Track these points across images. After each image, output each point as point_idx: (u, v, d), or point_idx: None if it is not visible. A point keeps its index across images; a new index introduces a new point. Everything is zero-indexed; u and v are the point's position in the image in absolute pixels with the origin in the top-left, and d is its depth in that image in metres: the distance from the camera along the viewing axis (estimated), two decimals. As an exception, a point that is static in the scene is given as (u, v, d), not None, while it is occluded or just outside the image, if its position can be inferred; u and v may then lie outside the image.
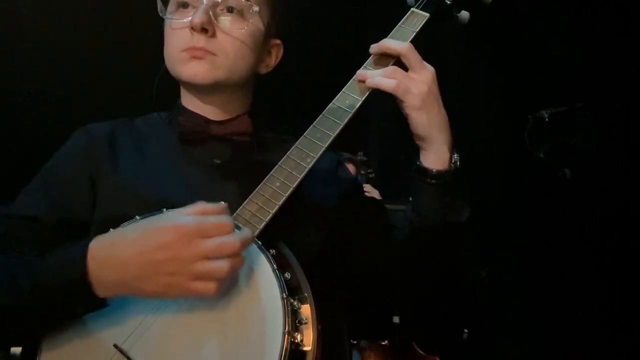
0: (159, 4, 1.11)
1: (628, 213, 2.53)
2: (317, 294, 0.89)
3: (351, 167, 2.66)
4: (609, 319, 2.52)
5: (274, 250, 0.91)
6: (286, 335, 0.80)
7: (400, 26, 1.07)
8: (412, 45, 1.01)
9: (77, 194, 1.03)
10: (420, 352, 2.35)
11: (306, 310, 0.86)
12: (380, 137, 3.36)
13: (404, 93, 0.96)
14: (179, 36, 1.07)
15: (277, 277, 0.85)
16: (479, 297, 2.47)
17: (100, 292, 0.81)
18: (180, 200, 0.88)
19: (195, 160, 1.09)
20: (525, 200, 2.77)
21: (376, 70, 1.00)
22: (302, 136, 1.00)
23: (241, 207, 0.94)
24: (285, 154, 0.99)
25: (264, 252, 0.88)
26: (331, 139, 0.98)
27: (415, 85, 0.96)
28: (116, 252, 0.80)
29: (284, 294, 0.84)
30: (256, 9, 1.08)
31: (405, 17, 1.08)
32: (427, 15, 1.07)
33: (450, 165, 1.00)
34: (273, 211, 0.93)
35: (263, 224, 0.92)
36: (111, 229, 0.90)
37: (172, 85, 1.15)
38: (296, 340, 0.82)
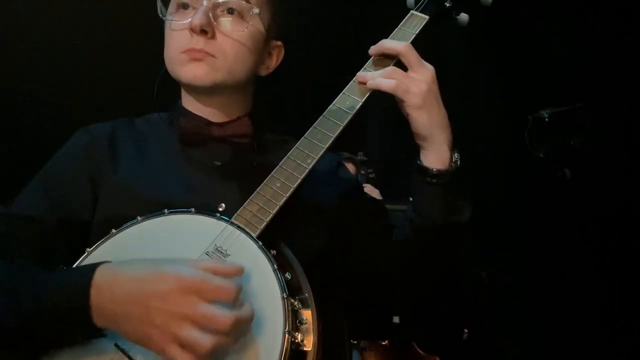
0: (159, 5, 1.11)
1: (628, 213, 2.53)
2: (318, 294, 0.89)
3: (351, 167, 2.66)
4: (609, 319, 2.52)
5: (274, 251, 0.91)
6: (286, 335, 0.81)
7: (400, 28, 1.07)
8: (410, 45, 1.01)
9: (78, 194, 1.03)
10: (420, 352, 2.35)
11: (307, 310, 0.87)
12: (380, 137, 3.36)
13: (404, 93, 0.96)
14: (178, 37, 1.07)
15: (277, 277, 0.85)
16: (479, 297, 2.47)
17: (97, 321, 0.79)
18: (180, 201, 0.88)
19: (195, 162, 1.09)
20: (525, 200, 2.76)
21: (376, 72, 1.00)
22: (303, 137, 1.00)
23: (242, 207, 0.94)
24: (285, 155, 0.99)
25: (264, 253, 0.88)
26: (331, 140, 0.98)
27: (415, 85, 0.97)
28: (117, 285, 0.78)
29: (285, 294, 0.84)
30: (256, 10, 1.08)
31: (405, 19, 1.09)
32: (427, 17, 1.08)
33: (451, 165, 1.00)
34: (274, 212, 0.93)
35: (264, 225, 0.92)
36: (113, 230, 0.91)
37: (173, 86, 1.15)
38: (296, 340, 0.83)
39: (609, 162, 2.58)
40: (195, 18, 1.03)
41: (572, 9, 2.66)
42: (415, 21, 1.08)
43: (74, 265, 0.89)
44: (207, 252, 0.90)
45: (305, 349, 0.84)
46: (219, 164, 1.09)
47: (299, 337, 0.83)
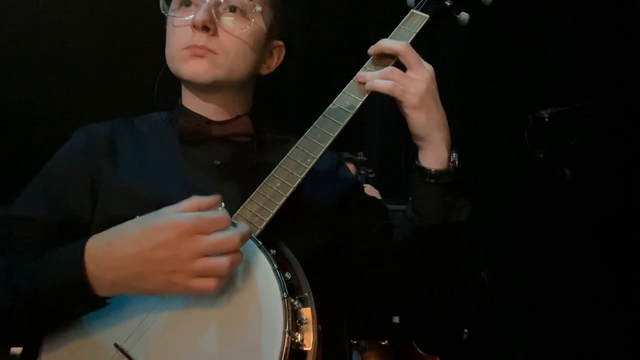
0: (162, 2, 1.11)
1: (628, 213, 2.53)
2: (318, 294, 0.89)
3: (351, 167, 2.66)
4: (609, 319, 2.52)
5: (274, 250, 0.91)
6: (286, 335, 0.81)
7: (400, 27, 1.07)
8: (409, 45, 1.00)
9: (77, 195, 1.02)
10: (420, 352, 2.35)
11: (306, 310, 0.86)
12: (381, 137, 3.36)
13: (402, 93, 0.96)
14: (180, 34, 1.07)
15: (277, 277, 0.85)
16: (479, 297, 2.47)
17: (100, 291, 0.81)
18: (180, 200, 0.88)
19: (195, 161, 1.09)
20: (525, 200, 2.77)
21: (375, 72, 1.00)
22: (303, 137, 1.00)
23: (242, 207, 0.95)
24: (285, 154, 0.99)
25: (264, 252, 0.88)
26: (331, 139, 0.98)
27: (413, 85, 0.96)
28: (114, 251, 0.80)
29: (285, 294, 0.84)
30: (259, 9, 1.08)
31: (405, 18, 1.08)
32: (427, 16, 1.08)
33: (449, 165, 1.00)
34: (274, 211, 0.93)
35: (263, 224, 0.92)
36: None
37: (173, 86, 1.15)
38: (296, 340, 0.83)
39: (609, 162, 2.58)
40: (197, 15, 1.03)
41: (572, 9, 2.66)
42: (416, 20, 1.07)
43: None
44: None
45: (305, 348, 0.84)
46: (219, 163, 1.09)
47: (299, 336, 0.83)
